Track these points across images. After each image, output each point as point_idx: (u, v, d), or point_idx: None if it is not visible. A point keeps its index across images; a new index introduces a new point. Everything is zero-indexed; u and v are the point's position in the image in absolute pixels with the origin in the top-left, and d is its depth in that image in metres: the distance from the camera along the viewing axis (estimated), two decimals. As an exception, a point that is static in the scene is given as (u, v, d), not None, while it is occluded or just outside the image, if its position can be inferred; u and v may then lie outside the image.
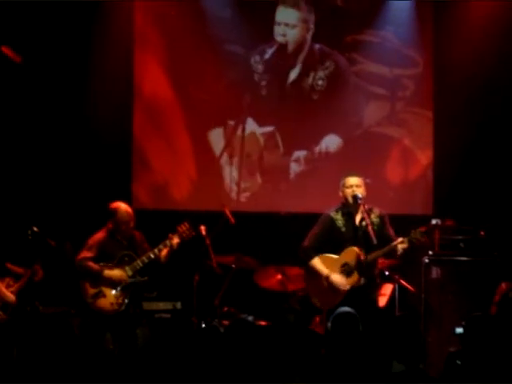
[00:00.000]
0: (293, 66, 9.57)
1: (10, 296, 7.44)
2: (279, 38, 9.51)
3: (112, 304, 7.43)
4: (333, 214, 7.13)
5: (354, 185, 7.05)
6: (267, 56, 9.49)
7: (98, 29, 9.10)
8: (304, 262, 7.18)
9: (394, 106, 9.70)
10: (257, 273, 8.33)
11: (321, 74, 9.57)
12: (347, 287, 6.91)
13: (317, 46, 9.56)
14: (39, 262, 7.54)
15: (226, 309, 8.05)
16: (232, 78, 9.48)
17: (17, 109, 8.90)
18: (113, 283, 7.43)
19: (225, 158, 9.51)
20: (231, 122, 9.50)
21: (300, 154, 9.57)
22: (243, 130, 9.50)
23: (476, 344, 5.00)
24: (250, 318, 5.38)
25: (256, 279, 8.32)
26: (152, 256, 7.48)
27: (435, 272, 8.16)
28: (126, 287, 7.45)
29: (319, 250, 7.12)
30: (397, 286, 8.17)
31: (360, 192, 7.01)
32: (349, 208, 7.09)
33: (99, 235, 7.58)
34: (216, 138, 9.50)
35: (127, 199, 8.13)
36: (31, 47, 8.75)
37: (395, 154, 9.68)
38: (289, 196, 9.53)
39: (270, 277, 8.33)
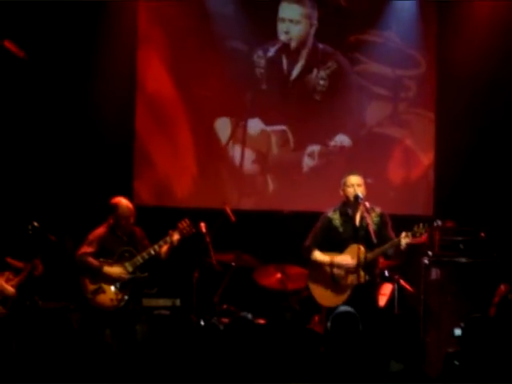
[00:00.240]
0: (296, 62, 9.55)
1: (10, 290, 7.45)
2: (282, 37, 9.48)
3: (112, 300, 7.44)
4: (330, 213, 7.16)
5: (356, 184, 7.06)
6: (270, 54, 9.48)
7: (102, 28, 9.11)
8: (306, 259, 7.20)
9: (396, 107, 9.68)
10: (256, 271, 8.34)
11: (322, 73, 9.56)
12: (353, 263, 6.87)
13: (320, 46, 9.55)
14: (39, 257, 7.55)
15: (225, 306, 8.06)
16: (235, 74, 9.47)
17: (20, 105, 8.92)
18: (112, 280, 7.44)
19: (227, 155, 9.51)
20: (234, 119, 9.50)
21: (300, 154, 9.56)
22: (245, 126, 9.50)
23: (475, 345, 5.00)
24: (250, 316, 5.38)
25: (256, 277, 8.32)
26: (152, 252, 7.48)
27: (435, 273, 8.15)
28: (125, 284, 7.46)
29: (319, 249, 7.13)
30: (396, 286, 8.17)
31: (360, 191, 7.03)
32: (348, 207, 7.10)
33: (100, 230, 7.59)
34: (222, 127, 9.47)
35: (128, 195, 8.14)
36: (36, 45, 8.75)
37: (397, 154, 9.67)
38: (290, 196, 9.51)
39: (269, 275, 8.33)
